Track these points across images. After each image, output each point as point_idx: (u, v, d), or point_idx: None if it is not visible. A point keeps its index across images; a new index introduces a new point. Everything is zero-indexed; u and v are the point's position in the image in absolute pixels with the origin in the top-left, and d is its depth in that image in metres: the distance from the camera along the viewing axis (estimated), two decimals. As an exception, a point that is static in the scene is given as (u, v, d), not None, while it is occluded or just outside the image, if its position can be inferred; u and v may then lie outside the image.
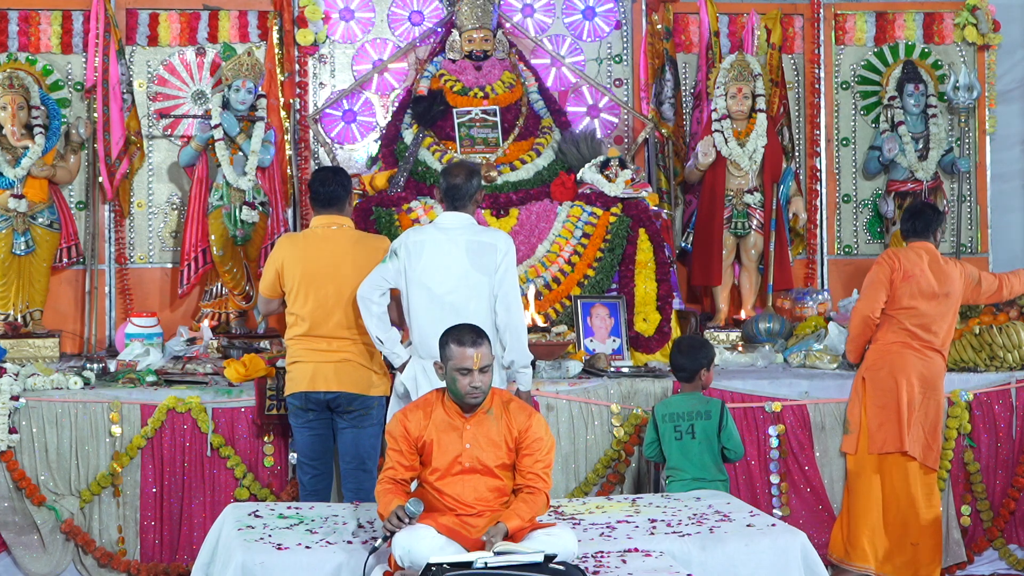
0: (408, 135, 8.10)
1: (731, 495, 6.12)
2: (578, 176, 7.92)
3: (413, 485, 4.96)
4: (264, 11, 8.41)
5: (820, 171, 8.79)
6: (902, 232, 6.80)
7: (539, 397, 6.53)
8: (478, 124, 8.15)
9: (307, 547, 4.91)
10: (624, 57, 8.86)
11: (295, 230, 8.29)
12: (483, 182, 6.10)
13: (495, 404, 4.89)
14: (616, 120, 8.81)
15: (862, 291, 6.72)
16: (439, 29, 8.50)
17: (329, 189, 6.17)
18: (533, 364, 6.15)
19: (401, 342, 5.93)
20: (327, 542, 4.98)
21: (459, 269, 5.71)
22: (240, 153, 7.90)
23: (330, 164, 8.33)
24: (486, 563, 4.44)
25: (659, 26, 8.54)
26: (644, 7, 8.67)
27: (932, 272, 6.57)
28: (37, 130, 7.84)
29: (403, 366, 5.88)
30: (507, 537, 4.67)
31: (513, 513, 4.74)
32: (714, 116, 8.15)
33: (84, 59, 8.24)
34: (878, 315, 6.59)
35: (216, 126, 7.88)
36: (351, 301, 5.97)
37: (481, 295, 5.70)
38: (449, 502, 4.82)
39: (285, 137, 8.25)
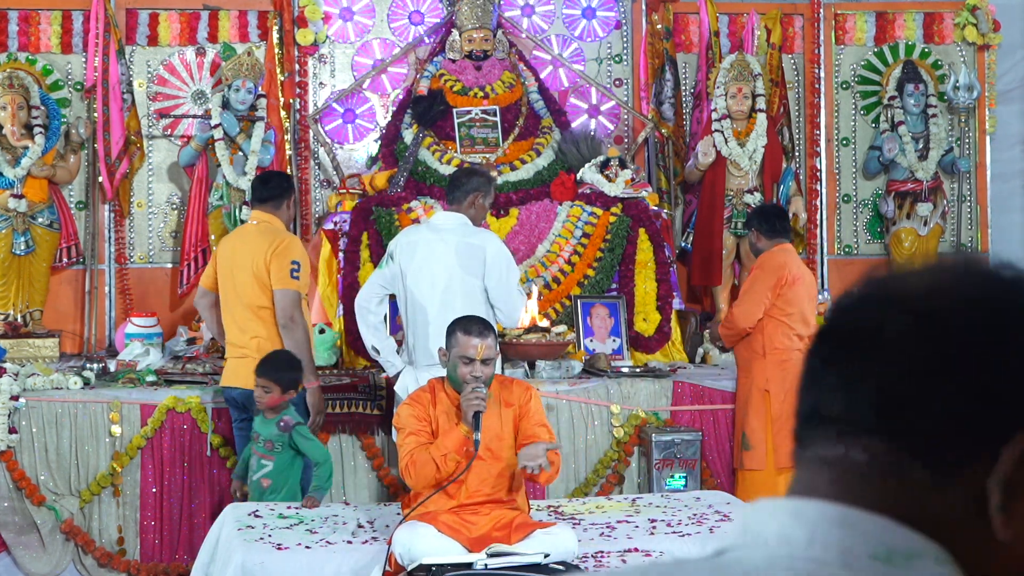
0: (408, 135, 8.10)
1: (731, 495, 6.12)
2: (578, 176, 7.92)
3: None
4: (264, 11, 8.40)
5: (820, 171, 8.79)
6: (766, 232, 6.71)
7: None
8: (478, 124, 8.15)
9: (307, 547, 4.91)
10: (624, 57, 8.86)
11: (295, 229, 8.29)
12: (492, 188, 6.06)
13: (493, 386, 4.88)
14: (616, 120, 8.81)
15: (748, 296, 6.67)
16: (439, 28, 8.50)
17: (266, 185, 6.42)
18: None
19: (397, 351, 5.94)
20: (327, 542, 4.98)
21: (449, 271, 5.70)
22: (240, 153, 7.90)
23: (330, 164, 8.34)
24: (486, 564, 4.44)
25: (659, 26, 8.54)
26: (644, 7, 8.67)
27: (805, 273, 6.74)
28: (37, 130, 7.84)
29: (397, 376, 5.87)
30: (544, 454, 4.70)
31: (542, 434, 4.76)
32: (714, 116, 8.15)
33: (84, 59, 8.23)
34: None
35: (216, 126, 7.88)
36: (247, 294, 6.06)
37: (474, 298, 5.68)
38: (451, 488, 4.80)
39: (285, 137, 8.24)
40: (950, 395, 1.06)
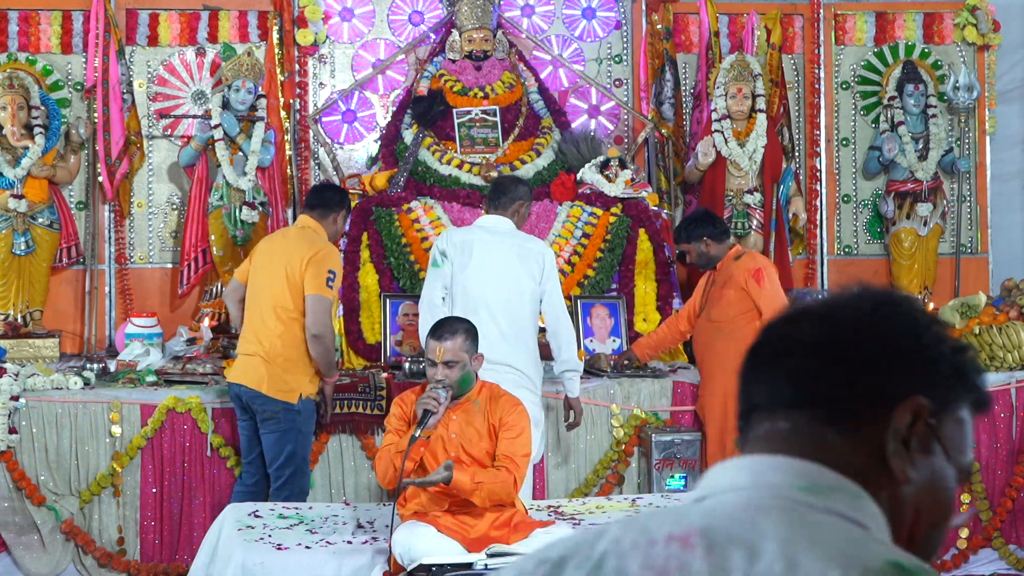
0: (408, 135, 8.10)
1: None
2: (578, 176, 7.92)
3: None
4: (264, 11, 8.40)
5: (820, 171, 8.79)
6: (718, 236, 6.71)
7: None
8: (478, 124, 8.15)
9: (307, 547, 4.92)
10: (624, 57, 8.86)
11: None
12: (531, 197, 6.17)
13: (483, 396, 4.90)
14: (616, 120, 8.81)
15: (778, 296, 6.56)
16: (439, 29, 8.50)
17: (320, 194, 6.49)
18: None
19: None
20: (327, 542, 4.98)
21: (511, 271, 5.77)
22: (240, 153, 7.90)
23: (330, 164, 8.34)
24: (485, 564, 4.44)
25: (659, 26, 8.54)
26: (644, 7, 8.67)
27: None
28: (37, 130, 7.84)
29: None
30: (449, 482, 4.67)
31: (470, 470, 4.74)
32: (714, 116, 8.15)
33: (84, 59, 8.23)
34: None
35: (216, 126, 7.88)
36: (275, 294, 6.06)
37: (531, 299, 5.80)
38: (433, 489, 4.82)
39: (285, 137, 8.25)
40: (847, 372, 1.42)
